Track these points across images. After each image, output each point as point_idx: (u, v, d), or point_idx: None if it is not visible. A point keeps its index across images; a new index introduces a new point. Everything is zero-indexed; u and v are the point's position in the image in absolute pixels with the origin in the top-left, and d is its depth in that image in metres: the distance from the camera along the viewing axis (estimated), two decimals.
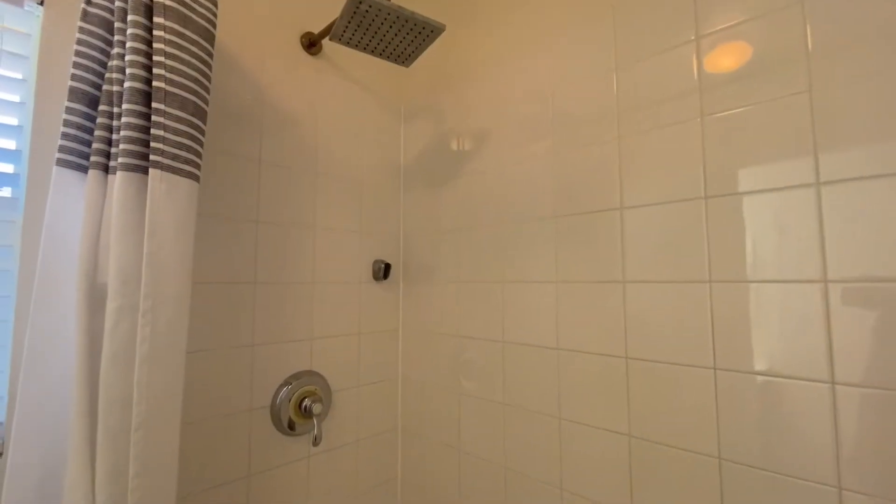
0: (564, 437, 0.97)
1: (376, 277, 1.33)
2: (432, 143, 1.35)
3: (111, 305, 0.61)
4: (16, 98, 0.85)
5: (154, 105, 0.64)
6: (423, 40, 1.02)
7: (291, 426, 1.10)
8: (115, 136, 0.65)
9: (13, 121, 0.84)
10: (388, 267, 1.33)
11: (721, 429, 0.77)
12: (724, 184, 0.79)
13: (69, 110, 0.67)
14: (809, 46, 0.72)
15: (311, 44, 1.21)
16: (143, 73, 0.65)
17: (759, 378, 0.74)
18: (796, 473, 0.70)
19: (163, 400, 0.64)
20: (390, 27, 0.96)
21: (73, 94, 0.67)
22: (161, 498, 0.64)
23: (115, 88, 0.66)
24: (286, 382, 1.11)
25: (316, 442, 1.07)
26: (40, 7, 0.81)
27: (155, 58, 0.65)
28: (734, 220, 0.78)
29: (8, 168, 0.83)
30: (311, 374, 1.16)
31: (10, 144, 0.84)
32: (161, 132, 0.64)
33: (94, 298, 0.62)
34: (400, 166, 1.44)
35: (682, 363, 0.82)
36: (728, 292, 0.78)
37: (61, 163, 0.65)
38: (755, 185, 0.76)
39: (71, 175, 0.65)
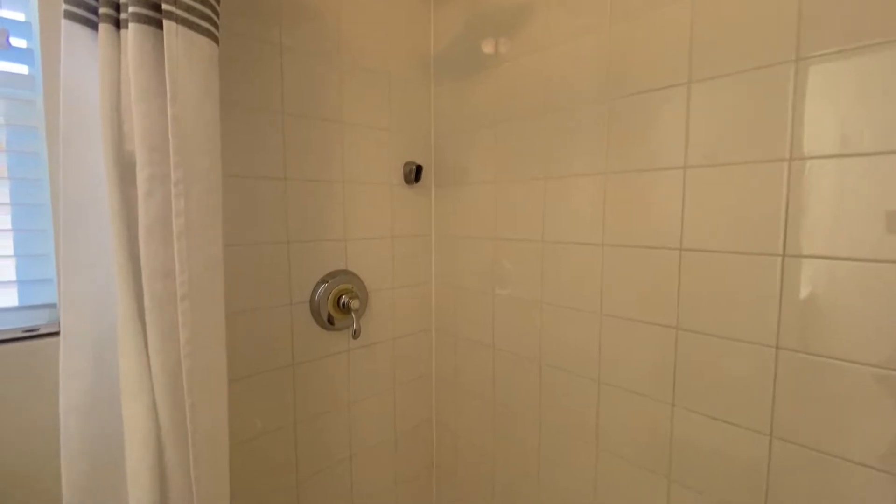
0: (605, 333, 0.95)
1: (407, 180, 1.27)
2: (465, 28, 1.21)
3: (141, 175, 0.58)
4: None
5: None
6: None
7: (331, 321, 1.12)
8: None
9: None
10: (419, 169, 1.26)
11: (784, 319, 0.72)
12: (822, 40, 0.66)
13: None
14: None
15: None
16: None
17: (834, 264, 0.67)
18: (854, 359, 0.65)
19: (204, 272, 0.63)
20: None
21: None
22: (213, 368, 0.66)
23: None
24: (323, 280, 1.12)
25: (355, 335, 1.09)
26: None
27: None
28: (830, 84, 0.66)
29: (20, 43, 0.78)
30: (347, 274, 1.16)
31: (19, 16, 0.78)
32: None
33: (123, 167, 0.59)
34: (430, 57, 1.31)
35: (745, 252, 0.75)
36: (811, 171, 0.68)
37: (70, 16, 0.59)
38: (866, 38, 0.63)
39: (81, 31, 0.59)
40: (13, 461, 0.74)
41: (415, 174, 1.25)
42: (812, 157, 0.68)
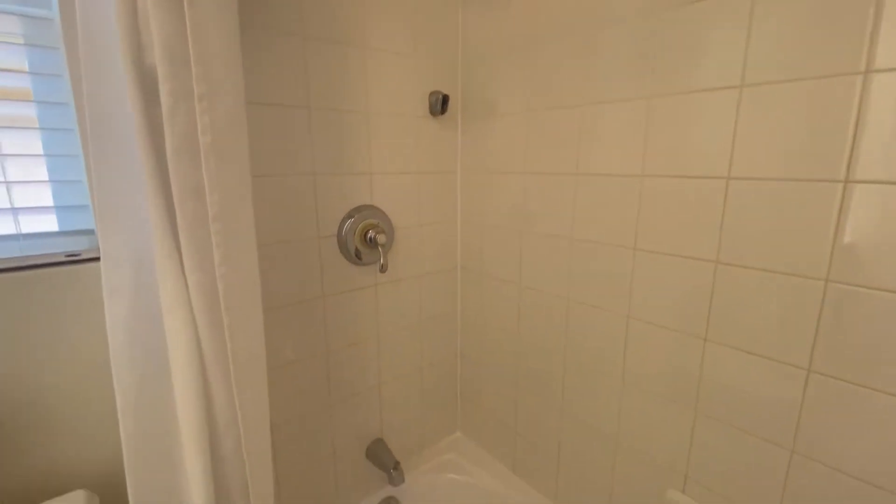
0: (639, 267, 0.92)
1: (433, 111, 1.21)
2: None
3: (164, 88, 0.56)
4: None
5: None
6: None
7: (358, 255, 1.12)
8: None
9: None
10: (445, 99, 1.20)
11: (837, 249, 0.67)
12: None
13: None
14: None
15: None
16: None
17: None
18: None
19: (234, 192, 0.62)
20: None
21: None
22: (247, 290, 0.67)
23: None
24: (349, 215, 1.11)
25: (383, 269, 1.09)
26: None
27: None
28: None
29: None
30: (373, 209, 1.15)
31: None
32: None
33: (145, 83, 0.57)
34: None
35: (802, 178, 0.69)
36: (886, 86, 0.61)
37: None
38: None
39: None
40: (64, 376, 0.79)
41: (441, 104, 1.19)
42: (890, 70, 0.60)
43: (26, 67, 0.76)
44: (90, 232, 0.82)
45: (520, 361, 1.23)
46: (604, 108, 0.93)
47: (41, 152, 0.79)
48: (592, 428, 1.06)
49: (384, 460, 1.22)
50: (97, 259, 0.80)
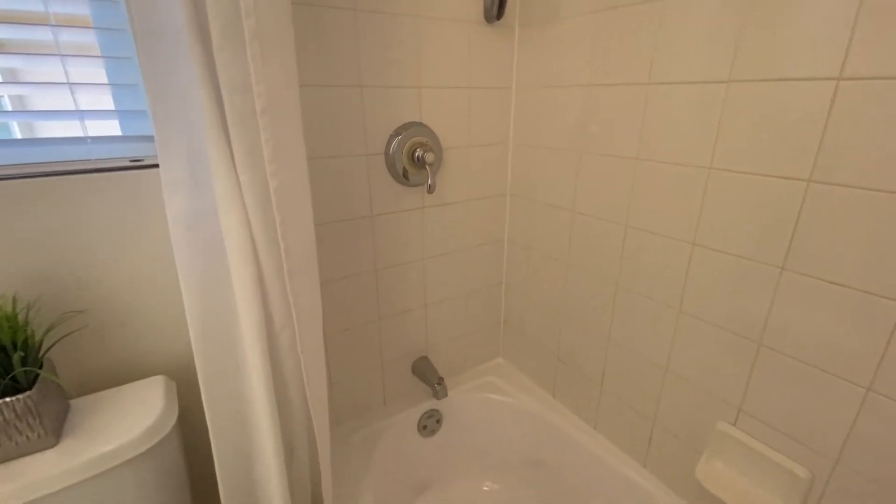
0: (711, 190, 0.83)
1: (488, 16, 1.10)
2: None
3: None
4: None
5: None
6: None
7: (405, 175, 1.09)
8: None
9: None
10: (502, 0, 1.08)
11: None
12: None
13: None
14: None
15: None
16: None
17: None
18: None
19: (280, 83, 0.60)
20: None
21: None
22: (297, 189, 0.67)
23: None
24: (397, 132, 1.07)
25: (430, 190, 1.06)
26: None
27: None
28: None
29: None
30: (421, 126, 1.10)
31: None
32: None
33: None
34: None
35: None
36: None
37: None
38: None
39: None
40: (139, 272, 0.85)
41: (497, 6, 1.07)
42: None
43: None
44: (151, 138, 0.84)
45: (568, 289, 1.19)
46: (683, 6, 0.80)
47: (98, 53, 0.80)
48: (641, 356, 1.03)
49: (429, 376, 1.27)
50: (157, 165, 0.84)
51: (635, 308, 1.02)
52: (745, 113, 0.76)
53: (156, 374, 0.89)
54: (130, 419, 0.77)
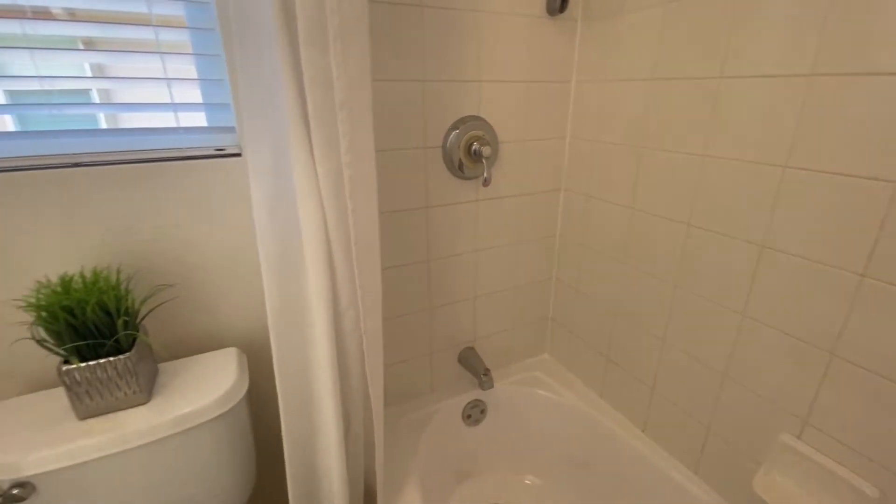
0: (786, 189, 0.79)
1: (550, 9, 1.10)
2: None
3: None
4: None
5: None
6: None
7: (461, 168, 1.12)
8: None
9: None
10: None
11: None
12: None
13: None
14: None
15: None
16: None
17: None
18: None
19: (357, 80, 0.64)
20: None
21: None
22: (367, 180, 0.71)
23: None
24: (454, 126, 1.09)
25: (486, 183, 1.08)
26: None
27: None
28: None
29: None
30: (478, 120, 1.11)
31: None
32: None
33: None
34: None
35: None
36: None
37: None
38: None
39: None
40: (219, 251, 0.93)
41: (561, 1, 1.07)
42: None
43: None
44: (232, 129, 0.92)
45: (622, 288, 1.17)
46: None
47: (190, 51, 0.87)
48: (698, 360, 1.00)
49: (475, 366, 1.29)
50: (238, 155, 0.91)
51: (694, 310, 0.99)
52: (827, 108, 0.72)
53: (229, 346, 0.97)
54: (209, 385, 0.85)
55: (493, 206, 1.22)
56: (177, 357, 0.92)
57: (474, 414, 1.34)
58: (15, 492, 0.70)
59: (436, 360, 1.30)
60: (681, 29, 0.92)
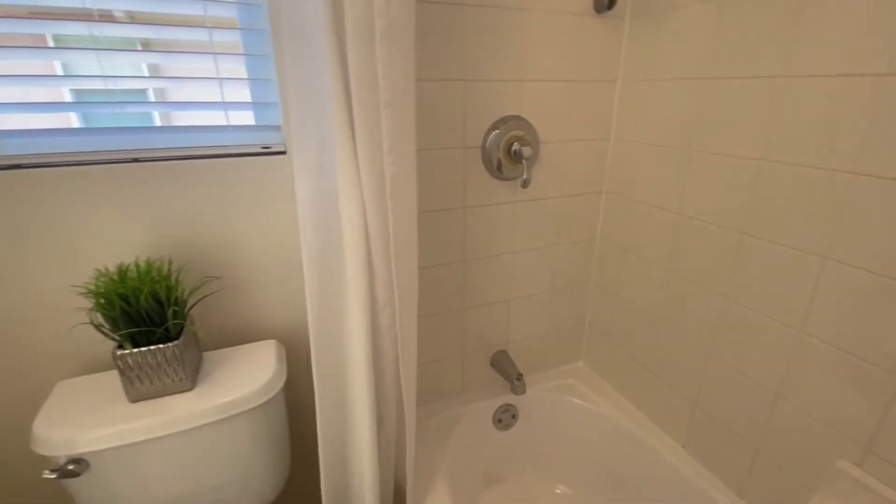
0: (854, 197, 0.73)
1: (598, 7, 1.07)
2: None
3: None
4: None
5: None
6: None
7: (500, 168, 1.10)
8: None
9: None
10: None
11: None
12: None
13: None
14: None
15: None
16: None
17: None
18: None
19: (402, 80, 0.64)
20: None
21: None
22: (407, 180, 0.71)
23: None
24: (495, 126, 1.08)
25: (525, 184, 1.06)
26: None
27: None
28: None
29: None
30: (519, 120, 1.09)
31: None
32: None
33: None
34: None
35: None
36: None
37: None
38: None
39: None
40: (262, 246, 0.96)
41: None
42: None
43: None
44: (278, 128, 0.94)
45: (666, 296, 1.12)
46: None
47: (241, 51, 0.90)
48: (748, 377, 0.95)
49: (507, 370, 1.28)
50: (283, 153, 0.93)
51: (745, 323, 0.94)
52: None
53: (268, 339, 1.00)
54: (249, 375, 0.87)
55: (531, 207, 1.19)
56: (219, 346, 0.96)
57: (505, 418, 1.32)
58: (71, 467, 0.74)
59: (467, 362, 1.29)
60: (740, 23, 0.87)
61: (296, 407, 1.06)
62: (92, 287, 0.75)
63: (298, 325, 1.05)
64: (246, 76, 0.92)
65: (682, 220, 1.05)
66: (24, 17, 0.80)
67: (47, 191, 0.79)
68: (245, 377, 0.87)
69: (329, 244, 0.72)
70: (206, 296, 0.91)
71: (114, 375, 0.83)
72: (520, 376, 1.24)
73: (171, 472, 0.82)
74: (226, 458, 0.86)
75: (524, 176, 1.06)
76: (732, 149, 0.91)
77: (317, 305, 0.74)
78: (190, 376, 0.83)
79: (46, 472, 0.73)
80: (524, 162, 1.06)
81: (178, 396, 0.82)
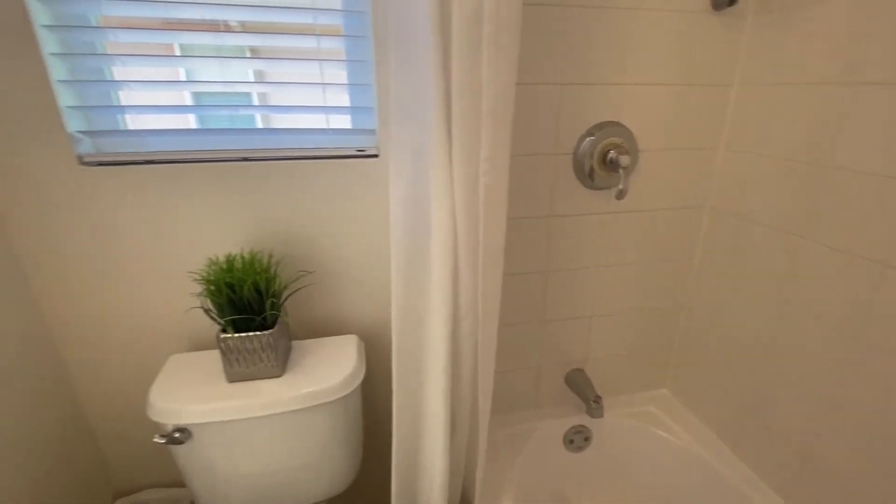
0: None
1: (717, 4, 0.97)
2: None
3: None
4: None
5: None
6: None
7: (592, 178, 1.04)
8: None
9: None
10: None
11: None
12: None
13: None
14: None
15: None
16: None
17: None
18: None
19: (505, 87, 0.62)
20: None
21: None
22: (500, 188, 0.69)
23: None
24: (589, 133, 1.02)
25: (621, 195, 0.99)
26: None
27: None
28: None
29: None
30: (618, 126, 1.03)
31: None
32: None
33: None
34: None
35: None
36: None
37: None
38: None
39: None
40: (348, 245, 1.00)
41: None
42: None
43: None
44: (372, 132, 0.96)
45: (774, 329, 0.99)
46: None
47: (344, 57, 0.94)
48: (885, 434, 0.80)
49: (584, 390, 1.21)
50: (376, 156, 0.95)
51: (882, 372, 0.80)
52: None
53: (349, 333, 1.03)
54: (333, 368, 0.91)
55: (623, 219, 1.12)
56: (303, 337, 1.01)
57: (577, 440, 1.26)
58: (176, 435, 0.82)
59: (541, 376, 1.25)
60: (885, 23, 0.73)
61: (369, 402, 1.09)
62: (204, 274, 0.83)
63: (377, 322, 1.07)
64: (347, 81, 0.95)
65: (807, 246, 0.91)
66: (157, 28, 0.90)
67: (172, 184, 0.88)
68: (329, 370, 0.90)
69: (417, 249, 0.72)
70: (299, 289, 0.96)
71: (215, 355, 0.90)
72: (598, 398, 1.17)
73: (255, 451, 0.88)
74: (304, 445, 0.90)
75: (620, 186, 0.99)
76: (878, 166, 0.78)
77: (401, 308, 0.75)
78: (280, 363, 0.88)
79: (157, 436, 0.82)
80: (621, 171, 0.99)
81: (268, 381, 0.87)
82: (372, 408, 1.10)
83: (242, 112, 1.00)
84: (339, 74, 0.96)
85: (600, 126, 1.02)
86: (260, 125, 1.00)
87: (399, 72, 0.66)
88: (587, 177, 1.05)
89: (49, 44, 0.78)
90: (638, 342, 1.28)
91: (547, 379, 1.25)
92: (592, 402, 1.17)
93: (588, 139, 1.02)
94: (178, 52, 0.92)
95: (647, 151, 1.07)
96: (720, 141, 1.10)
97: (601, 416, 1.17)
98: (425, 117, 0.66)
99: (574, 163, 1.04)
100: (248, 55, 0.97)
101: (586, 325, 1.21)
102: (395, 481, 0.89)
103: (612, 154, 1.01)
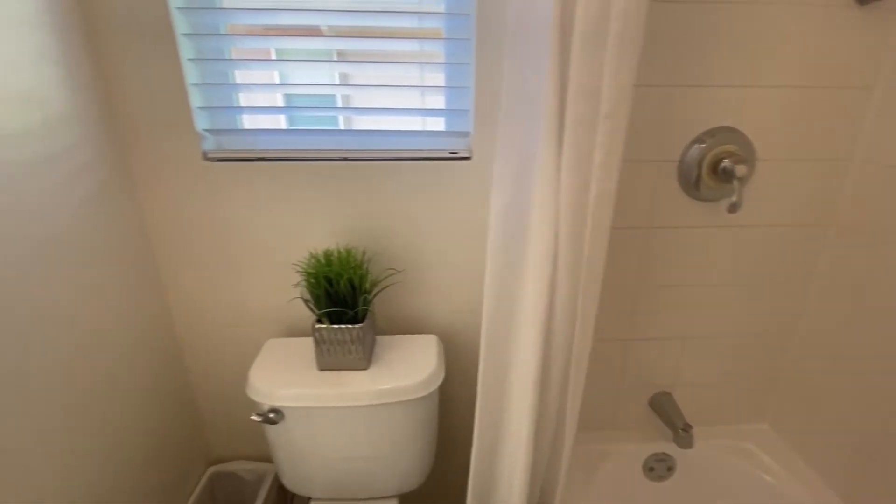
0: None
1: None
2: None
3: None
4: None
5: None
6: None
7: (698, 186, 0.96)
8: None
9: None
10: None
11: None
12: None
13: None
14: None
15: None
16: None
17: None
18: None
19: (625, 90, 0.58)
20: None
21: None
22: (609, 197, 0.65)
23: None
24: (699, 139, 0.94)
25: (734, 208, 0.90)
26: None
27: None
28: None
29: None
30: (732, 133, 0.94)
31: None
32: None
33: None
34: None
35: None
36: None
37: None
38: None
39: None
40: (440, 245, 1.00)
41: None
42: None
43: None
44: (466, 134, 0.96)
45: None
46: None
47: (443, 60, 0.94)
48: None
49: (671, 416, 1.12)
50: (468, 158, 0.95)
51: None
52: None
53: (429, 333, 1.04)
54: (414, 366, 0.92)
55: (732, 235, 1.02)
56: (387, 332, 1.03)
57: (659, 468, 1.17)
58: (271, 415, 0.87)
59: (623, 396, 1.18)
60: None
61: (444, 404, 1.09)
62: (305, 267, 0.87)
63: (458, 325, 1.07)
64: (444, 84, 0.96)
65: None
66: (259, 35, 0.96)
67: (279, 181, 0.94)
68: (411, 368, 0.91)
69: (513, 258, 0.70)
70: (388, 286, 0.98)
71: (307, 342, 0.95)
72: (688, 427, 1.08)
73: (336, 437, 0.91)
74: (382, 438, 0.92)
75: (734, 198, 0.90)
76: None
77: (492, 314, 0.74)
78: (367, 357, 0.91)
79: (253, 415, 0.87)
80: (735, 182, 0.90)
81: (355, 373, 0.90)
82: (446, 409, 1.10)
83: (333, 113, 1.04)
84: (437, 77, 0.97)
85: (713, 132, 0.94)
86: (342, 126, 1.04)
87: (511, 74, 0.64)
88: (693, 187, 0.97)
89: (187, 50, 0.86)
90: (736, 370, 1.16)
91: (628, 399, 1.18)
92: (681, 430, 1.08)
93: (697, 146, 0.94)
94: (273, 57, 0.98)
95: (765, 160, 0.96)
96: (854, 151, 0.97)
97: (690, 446, 1.08)
98: (535, 121, 0.64)
99: (679, 171, 0.97)
100: (336, 59, 0.98)
101: (678, 347, 1.12)
102: (472, 488, 0.88)
103: (725, 163, 0.92)
